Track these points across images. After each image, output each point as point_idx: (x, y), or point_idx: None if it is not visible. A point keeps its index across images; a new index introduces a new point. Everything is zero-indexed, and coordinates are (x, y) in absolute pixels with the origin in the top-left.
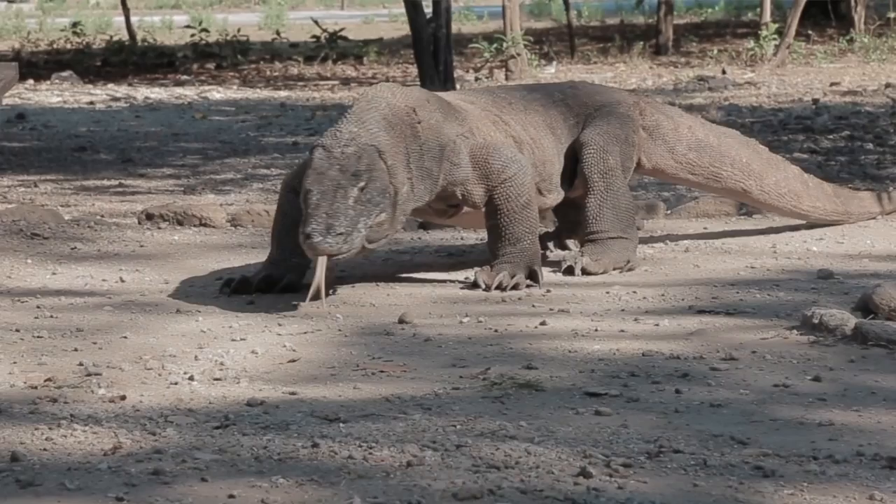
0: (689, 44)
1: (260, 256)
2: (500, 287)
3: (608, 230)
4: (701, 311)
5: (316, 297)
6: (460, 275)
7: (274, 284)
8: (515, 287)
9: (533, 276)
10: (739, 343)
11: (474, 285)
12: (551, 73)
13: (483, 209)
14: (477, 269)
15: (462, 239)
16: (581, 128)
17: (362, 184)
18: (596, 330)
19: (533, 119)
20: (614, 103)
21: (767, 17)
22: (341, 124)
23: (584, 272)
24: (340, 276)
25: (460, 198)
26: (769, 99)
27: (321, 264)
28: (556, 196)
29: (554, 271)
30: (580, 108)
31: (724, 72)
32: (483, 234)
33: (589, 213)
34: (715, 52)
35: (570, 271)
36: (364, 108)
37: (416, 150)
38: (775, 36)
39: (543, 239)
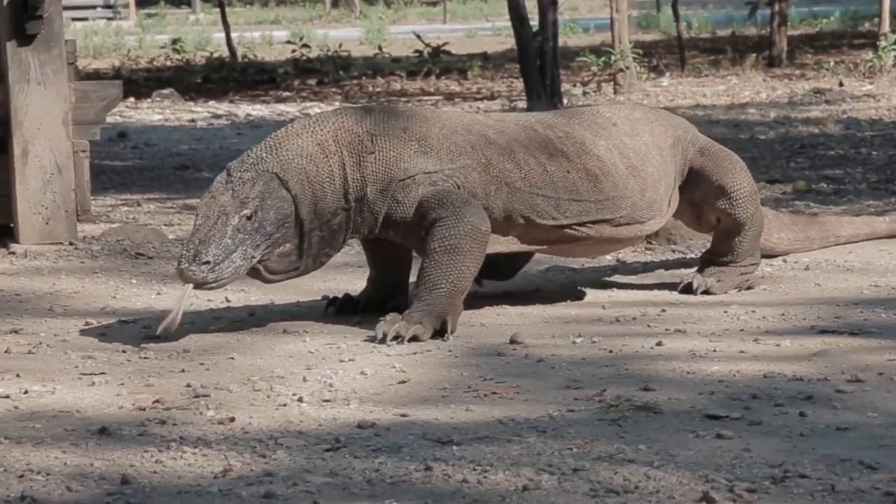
0: (803, 55)
1: (366, 274)
2: (396, 338)
3: (742, 260)
4: (824, 332)
5: (169, 327)
6: (571, 294)
7: (381, 304)
8: (414, 339)
9: (442, 331)
10: (865, 364)
11: (376, 338)
12: (664, 85)
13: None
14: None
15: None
16: (681, 150)
17: (247, 211)
18: (714, 350)
19: (640, 141)
20: (691, 127)
21: (886, 27)
22: (255, 147)
23: (706, 293)
24: None
25: (402, 240)
26: (889, 112)
27: (186, 293)
28: (658, 221)
29: (670, 291)
30: (672, 130)
31: (841, 84)
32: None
33: (733, 245)
34: (831, 63)
35: (687, 289)
36: (293, 131)
37: (359, 180)
38: (895, 46)
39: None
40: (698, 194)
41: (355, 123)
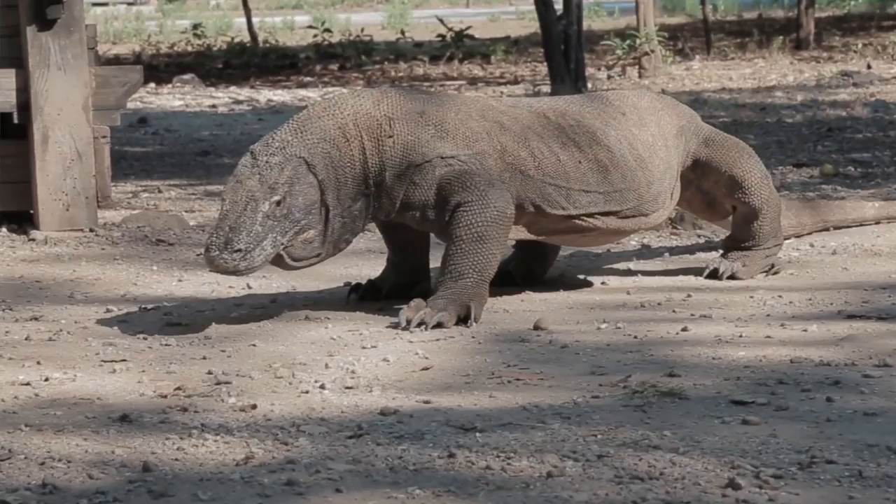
0: (831, 38)
1: None
2: (420, 325)
3: (765, 243)
4: (851, 316)
5: None
6: (597, 279)
7: (405, 290)
8: (438, 326)
9: (465, 318)
10: (893, 349)
11: (399, 324)
12: (695, 68)
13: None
14: (410, 303)
15: None
16: (684, 140)
17: (277, 197)
18: (740, 336)
19: (648, 132)
20: (695, 115)
21: None
22: (278, 130)
23: (732, 278)
24: None
25: (419, 221)
26: None
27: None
28: (661, 213)
29: (696, 276)
30: (676, 119)
31: (869, 66)
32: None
33: (753, 230)
34: (859, 45)
35: (713, 275)
36: (315, 114)
37: (377, 164)
38: None
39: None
40: (707, 184)
41: (373, 107)
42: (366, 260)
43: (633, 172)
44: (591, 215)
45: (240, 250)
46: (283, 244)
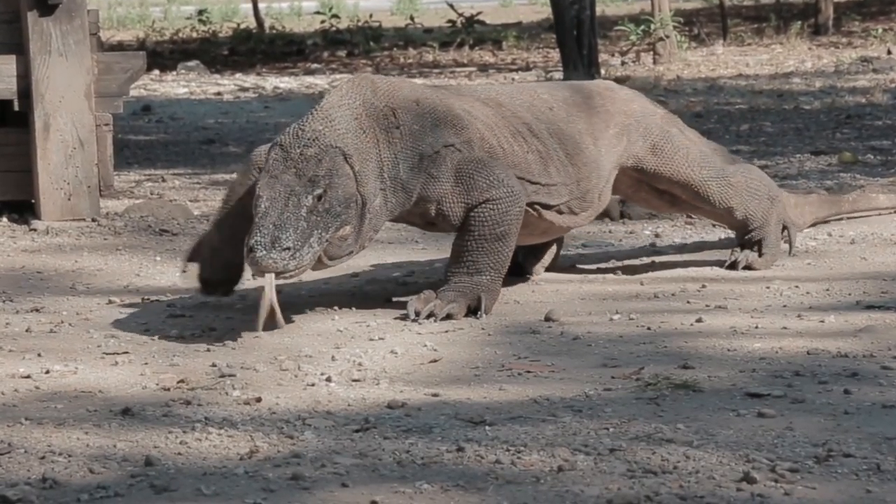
0: (850, 23)
1: (397, 251)
2: (429, 316)
3: (763, 221)
4: (870, 307)
5: (271, 323)
6: (608, 269)
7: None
8: (448, 317)
9: (475, 309)
10: None
11: (408, 316)
12: (719, 53)
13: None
14: (418, 295)
15: (610, 232)
16: (626, 140)
17: (319, 191)
18: (756, 327)
19: (575, 129)
20: (651, 114)
21: None
22: (305, 120)
23: (749, 268)
24: None
25: (433, 216)
26: None
27: (269, 284)
28: (590, 213)
29: (711, 266)
30: (622, 118)
31: (889, 52)
32: (639, 227)
33: (743, 221)
34: (879, 31)
35: (733, 266)
36: (334, 103)
37: (391, 157)
38: None
39: None
40: (661, 185)
41: (373, 96)
42: (372, 251)
43: (565, 168)
44: (531, 205)
45: (288, 248)
46: (326, 241)
